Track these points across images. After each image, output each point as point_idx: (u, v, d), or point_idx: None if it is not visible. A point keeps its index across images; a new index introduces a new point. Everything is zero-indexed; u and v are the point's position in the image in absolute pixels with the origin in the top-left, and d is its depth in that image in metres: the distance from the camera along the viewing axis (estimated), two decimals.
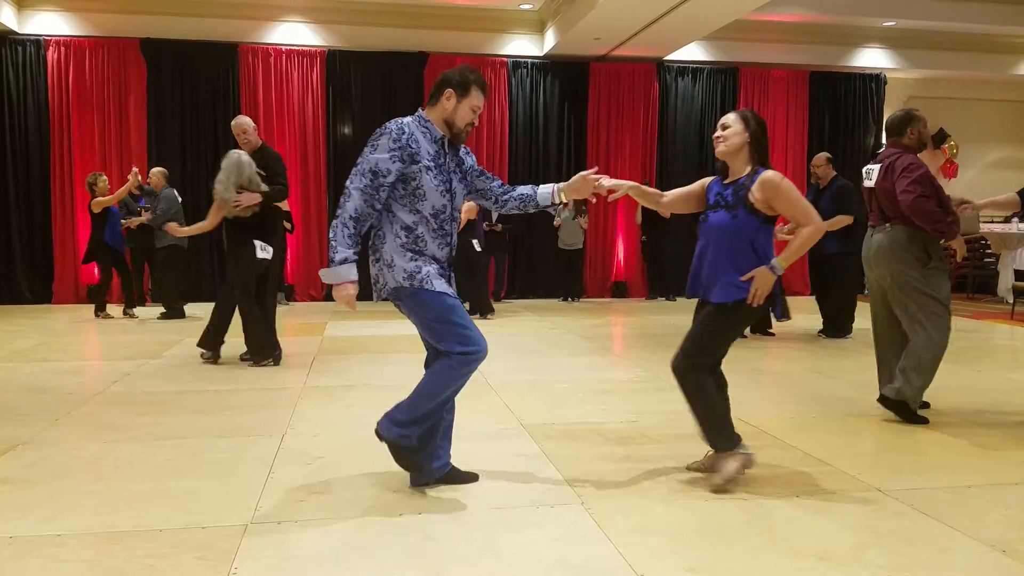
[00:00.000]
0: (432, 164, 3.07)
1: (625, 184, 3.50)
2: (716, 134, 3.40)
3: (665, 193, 3.60)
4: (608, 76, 12.42)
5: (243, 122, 6.21)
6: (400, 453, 3.15)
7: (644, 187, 3.57)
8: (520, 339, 7.74)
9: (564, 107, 12.40)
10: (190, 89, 11.26)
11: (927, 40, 12.73)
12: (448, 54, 11.52)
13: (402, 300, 3.10)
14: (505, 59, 12.05)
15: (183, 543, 2.72)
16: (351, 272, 3.00)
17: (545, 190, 3.34)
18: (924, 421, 4.39)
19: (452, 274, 3.25)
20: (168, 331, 8.13)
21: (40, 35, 10.87)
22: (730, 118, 3.37)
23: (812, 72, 12.99)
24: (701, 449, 3.78)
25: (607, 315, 10.07)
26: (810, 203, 3.35)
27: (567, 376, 5.77)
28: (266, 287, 6.20)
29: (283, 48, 11.44)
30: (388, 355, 6.62)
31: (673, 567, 2.54)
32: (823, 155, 7.72)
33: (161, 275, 9.52)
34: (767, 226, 3.30)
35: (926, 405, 4.59)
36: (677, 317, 9.40)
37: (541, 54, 12.11)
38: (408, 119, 3.12)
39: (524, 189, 3.38)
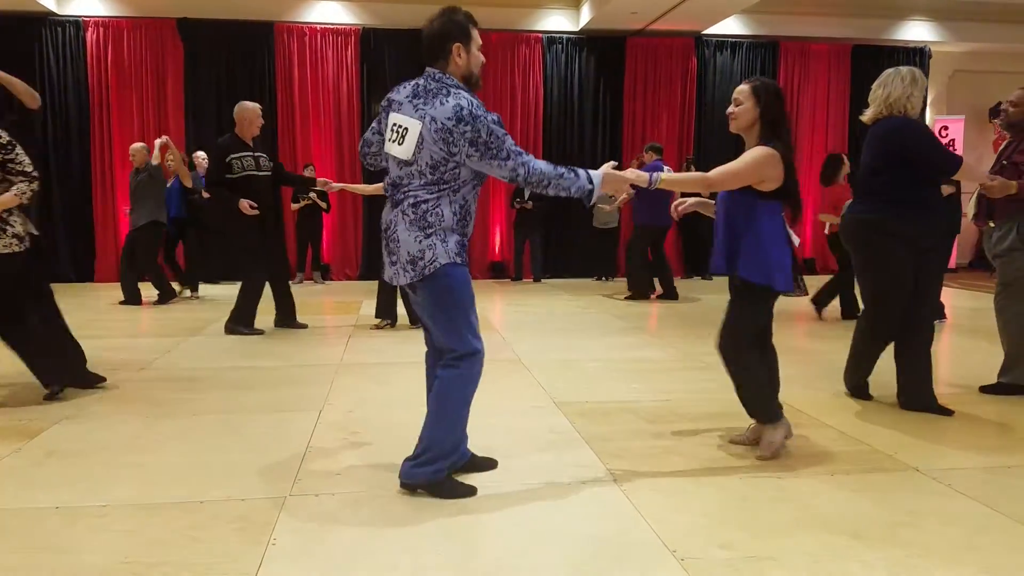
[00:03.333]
0: None
1: (690, 200, 3.55)
2: (729, 109, 3.34)
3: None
4: (645, 51, 12.27)
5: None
6: (440, 490, 2.93)
7: (707, 200, 3.56)
8: (554, 318, 7.74)
9: (600, 83, 12.28)
10: (226, 69, 11.35)
11: (973, 12, 12.34)
12: (482, 30, 11.35)
13: (432, 281, 2.85)
14: (540, 35, 11.95)
15: (223, 515, 2.78)
16: (594, 176, 2.87)
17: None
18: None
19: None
20: (208, 309, 8.27)
21: (79, 16, 11.03)
22: (743, 92, 3.28)
23: (854, 46, 12.69)
24: (732, 426, 3.77)
25: None
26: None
27: (600, 355, 5.76)
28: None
29: (318, 27, 11.47)
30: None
31: (705, 544, 2.54)
32: None
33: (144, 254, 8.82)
34: (766, 203, 3.23)
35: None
36: (712, 296, 9.32)
37: (576, 29, 11.99)
38: (464, 94, 2.87)
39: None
